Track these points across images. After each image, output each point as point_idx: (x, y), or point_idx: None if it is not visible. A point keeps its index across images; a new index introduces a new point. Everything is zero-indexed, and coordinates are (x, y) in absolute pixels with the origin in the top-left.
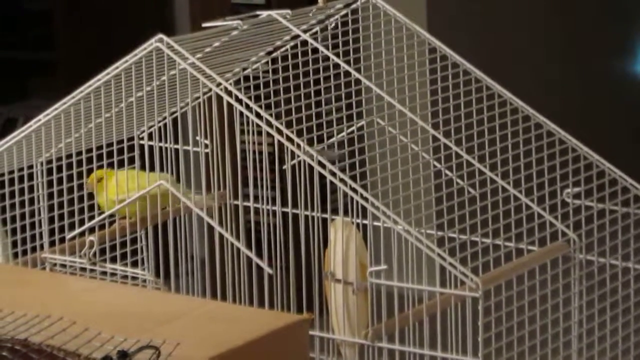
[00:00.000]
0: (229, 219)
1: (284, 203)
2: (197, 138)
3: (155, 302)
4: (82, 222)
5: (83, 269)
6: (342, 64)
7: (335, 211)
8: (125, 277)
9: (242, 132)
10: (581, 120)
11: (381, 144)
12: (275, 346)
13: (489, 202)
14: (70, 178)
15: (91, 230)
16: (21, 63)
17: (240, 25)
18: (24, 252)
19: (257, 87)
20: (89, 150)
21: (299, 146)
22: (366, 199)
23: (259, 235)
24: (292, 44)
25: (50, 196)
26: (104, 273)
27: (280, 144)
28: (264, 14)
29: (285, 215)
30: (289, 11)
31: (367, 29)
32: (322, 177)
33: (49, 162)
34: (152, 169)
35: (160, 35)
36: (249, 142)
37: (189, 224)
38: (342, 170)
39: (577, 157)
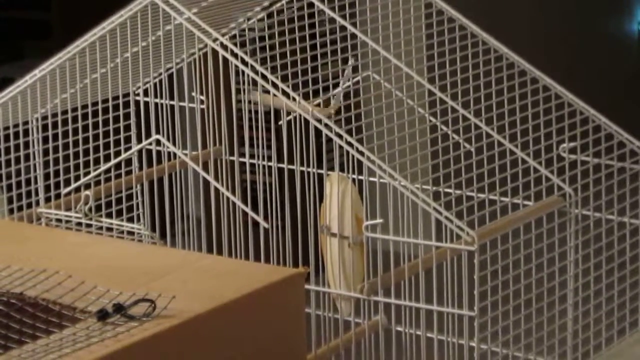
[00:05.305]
0: (224, 174)
1: (280, 159)
2: (193, 94)
3: (151, 256)
4: (77, 178)
5: (79, 224)
6: (338, 19)
7: (331, 167)
8: (122, 232)
9: (238, 91)
10: (577, 75)
11: (377, 99)
12: (270, 300)
13: (484, 157)
14: (65, 134)
15: (87, 186)
16: (17, 23)
17: None
18: (20, 208)
19: (253, 42)
20: (85, 106)
21: (294, 100)
22: (362, 153)
23: (254, 193)
24: None
25: (46, 152)
26: (100, 228)
27: None
28: None
29: (281, 171)
30: None
31: None
32: (318, 134)
33: (44, 118)
34: (147, 125)
35: None
36: (244, 102)
37: (184, 180)
38: (338, 124)
39: (573, 111)
